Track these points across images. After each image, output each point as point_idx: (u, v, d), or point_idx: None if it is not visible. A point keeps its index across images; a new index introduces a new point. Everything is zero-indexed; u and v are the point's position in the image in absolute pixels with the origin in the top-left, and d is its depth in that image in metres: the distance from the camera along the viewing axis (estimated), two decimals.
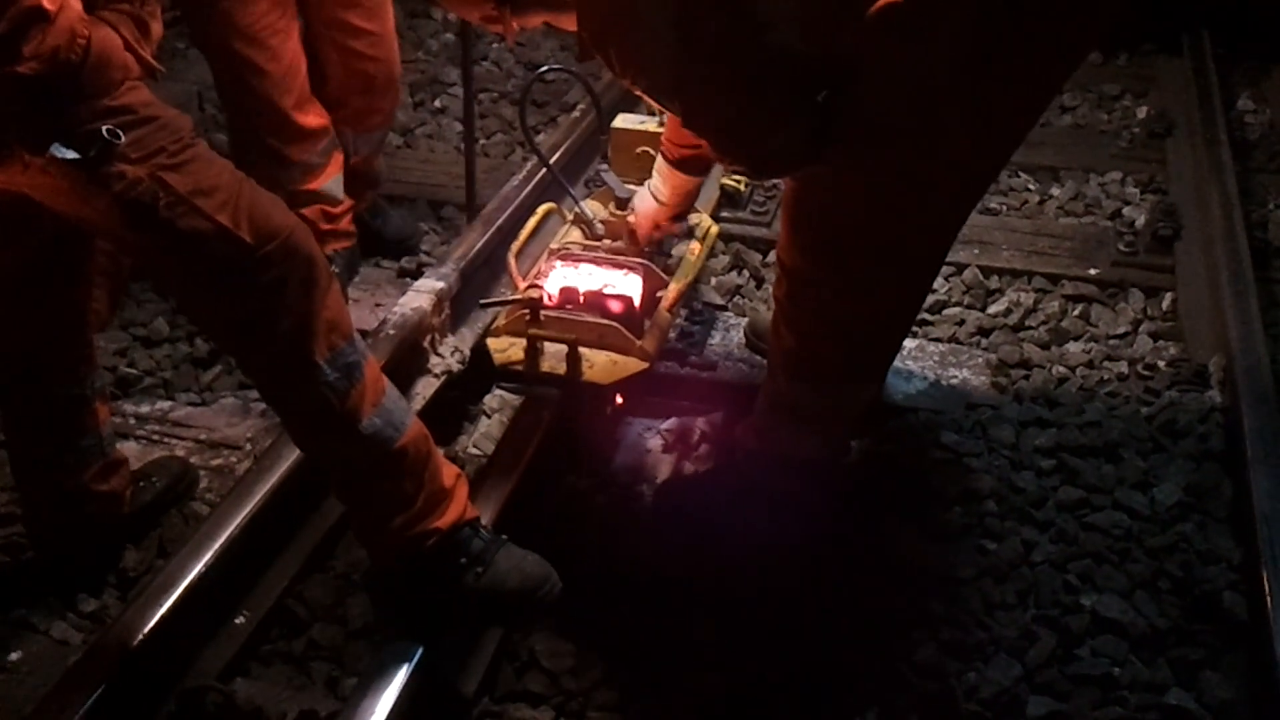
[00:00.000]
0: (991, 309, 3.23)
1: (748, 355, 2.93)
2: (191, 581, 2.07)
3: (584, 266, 2.74)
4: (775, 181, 3.73)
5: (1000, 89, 1.92)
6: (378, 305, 3.18)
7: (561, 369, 2.52)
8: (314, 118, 3.06)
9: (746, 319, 3.05)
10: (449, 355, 2.80)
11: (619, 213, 2.88)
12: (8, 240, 2.02)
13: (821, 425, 2.38)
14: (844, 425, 2.42)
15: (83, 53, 1.62)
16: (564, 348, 2.50)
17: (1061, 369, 2.97)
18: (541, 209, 2.98)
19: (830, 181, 2.05)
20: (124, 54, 1.71)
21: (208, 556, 2.11)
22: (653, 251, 2.84)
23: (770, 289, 3.22)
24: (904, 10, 1.81)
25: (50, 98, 1.61)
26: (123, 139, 1.66)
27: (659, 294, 2.71)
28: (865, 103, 1.94)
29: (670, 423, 2.79)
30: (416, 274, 3.21)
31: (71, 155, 1.63)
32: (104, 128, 1.64)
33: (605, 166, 3.01)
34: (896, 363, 2.80)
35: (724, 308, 3.17)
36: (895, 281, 2.20)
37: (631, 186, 2.91)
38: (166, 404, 2.83)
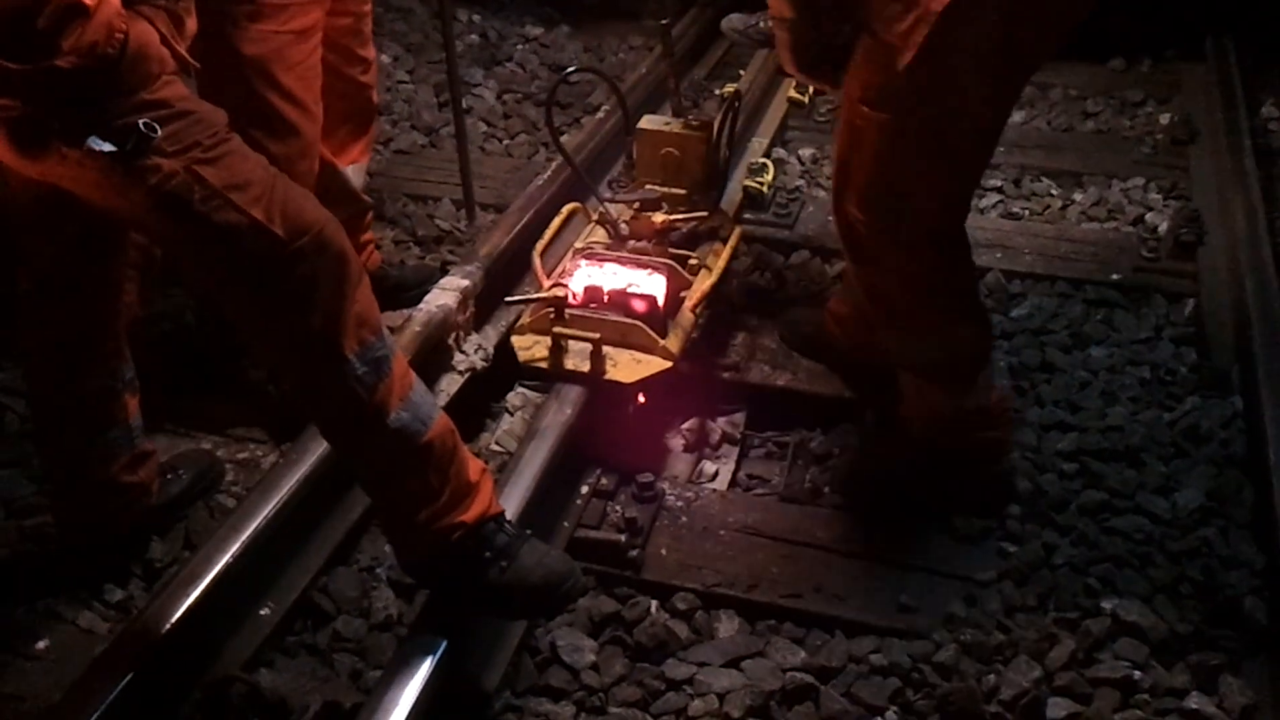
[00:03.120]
0: (1014, 313, 3.22)
1: (769, 356, 2.94)
2: (217, 573, 2.08)
3: (608, 266, 2.75)
4: (797, 184, 3.75)
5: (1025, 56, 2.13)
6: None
7: (585, 367, 2.54)
8: None
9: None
10: (473, 352, 2.81)
11: (643, 213, 2.89)
12: (43, 232, 2.05)
13: (940, 373, 2.44)
14: (961, 369, 2.44)
15: (120, 47, 1.64)
16: (588, 346, 2.51)
17: (1083, 373, 2.96)
18: (566, 208, 3.00)
19: (886, 129, 2.18)
20: (160, 49, 1.73)
21: (234, 548, 2.12)
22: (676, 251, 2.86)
23: (790, 290, 3.25)
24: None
25: (88, 91, 1.63)
26: (159, 132, 1.67)
27: (683, 294, 2.73)
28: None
29: (691, 422, 2.80)
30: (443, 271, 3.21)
31: (108, 148, 1.64)
32: (140, 121, 1.65)
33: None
34: None
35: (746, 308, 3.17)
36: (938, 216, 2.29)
37: (656, 188, 2.93)
38: (193, 397, 2.84)
